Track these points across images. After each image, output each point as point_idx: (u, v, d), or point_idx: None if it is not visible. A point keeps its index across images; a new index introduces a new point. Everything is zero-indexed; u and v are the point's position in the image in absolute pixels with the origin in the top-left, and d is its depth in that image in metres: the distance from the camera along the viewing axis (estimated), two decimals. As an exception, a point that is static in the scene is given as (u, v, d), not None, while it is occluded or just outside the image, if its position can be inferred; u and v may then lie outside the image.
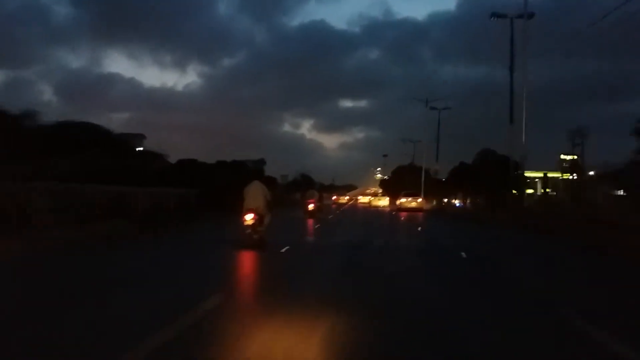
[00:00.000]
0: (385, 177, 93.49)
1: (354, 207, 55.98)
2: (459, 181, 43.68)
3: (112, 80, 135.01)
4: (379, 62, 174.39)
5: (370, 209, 49.08)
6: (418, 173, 52.72)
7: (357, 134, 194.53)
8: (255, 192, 11.70)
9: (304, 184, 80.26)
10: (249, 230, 11.41)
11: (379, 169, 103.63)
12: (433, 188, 50.34)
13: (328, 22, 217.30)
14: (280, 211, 29.06)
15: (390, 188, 70.37)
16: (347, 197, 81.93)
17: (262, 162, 52.76)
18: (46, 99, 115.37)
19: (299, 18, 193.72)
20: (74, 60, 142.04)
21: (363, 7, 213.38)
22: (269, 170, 51.16)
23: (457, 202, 50.98)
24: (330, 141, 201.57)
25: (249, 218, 11.36)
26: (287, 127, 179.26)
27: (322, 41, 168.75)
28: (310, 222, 22.92)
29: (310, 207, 25.28)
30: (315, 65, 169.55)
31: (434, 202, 51.56)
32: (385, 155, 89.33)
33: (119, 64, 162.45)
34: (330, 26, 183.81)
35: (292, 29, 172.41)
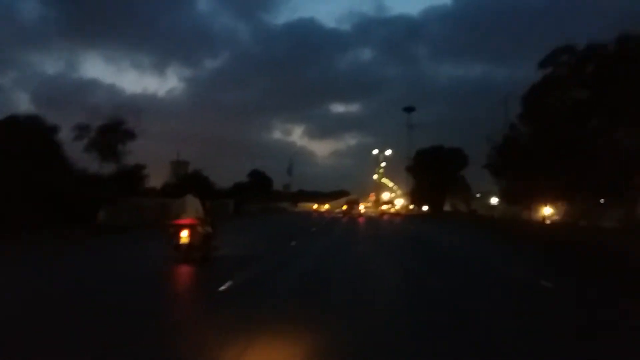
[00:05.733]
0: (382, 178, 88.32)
1: (325, 217, 47.38)
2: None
3: (91, 85, 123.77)
4: (372, 63, 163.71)
5: (351, 220, 40.94)
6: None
7: (350, 140, 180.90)
8: None
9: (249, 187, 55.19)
10: None
11: (383, 163, 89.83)
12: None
13: (316, 19, 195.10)
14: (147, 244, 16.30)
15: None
16: (321, 206, 79.62)
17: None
18: (23, 108, 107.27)
19: (284, 15, 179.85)
20: (50, 65, 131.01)
21: (354, 3, 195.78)
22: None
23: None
24: (322, 148, 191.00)
25: None
26: (277, 134, 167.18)
27: (310, 40, 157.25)
28: (178, 273, 10.52)
29: (184, 236, 11.27)
30: (304, 67, 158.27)
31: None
32: (411, 109, 77.67)
33: (97, 68, 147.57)
34: (319, 24, 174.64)
35: (278, 28, 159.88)
